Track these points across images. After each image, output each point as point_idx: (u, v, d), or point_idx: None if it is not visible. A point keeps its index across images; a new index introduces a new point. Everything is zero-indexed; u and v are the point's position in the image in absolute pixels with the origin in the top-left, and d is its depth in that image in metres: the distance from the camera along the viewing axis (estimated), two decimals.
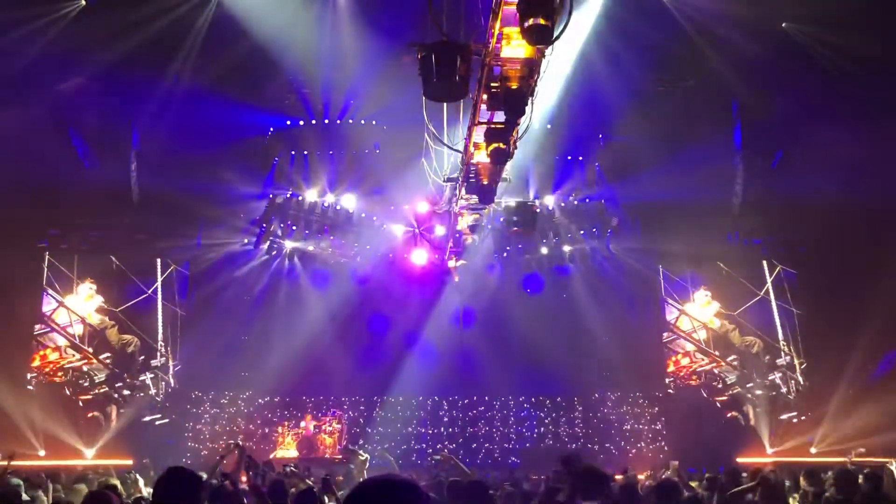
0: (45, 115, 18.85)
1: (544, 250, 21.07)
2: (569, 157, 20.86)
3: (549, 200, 20.74)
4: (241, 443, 13.79)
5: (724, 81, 19.10)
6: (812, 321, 20.90)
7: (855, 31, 16.41)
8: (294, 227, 20.69)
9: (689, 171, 19.07)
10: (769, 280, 21.69)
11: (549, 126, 18.74)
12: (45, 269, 20.30)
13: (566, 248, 21.34)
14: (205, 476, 9.20)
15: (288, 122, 20.43)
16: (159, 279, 20.74)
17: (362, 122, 19.95)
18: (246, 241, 20.92)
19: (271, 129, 20.52)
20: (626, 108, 19.37)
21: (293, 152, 20.67)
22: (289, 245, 21.14)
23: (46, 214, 20.03)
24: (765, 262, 21.80)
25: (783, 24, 17.75)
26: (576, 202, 20.99)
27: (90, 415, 19.85)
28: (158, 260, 20.73)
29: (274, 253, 21.21)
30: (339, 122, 20.14)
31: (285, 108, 20.11)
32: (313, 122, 20.33)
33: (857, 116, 18.56)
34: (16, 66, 17.17)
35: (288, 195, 20.62)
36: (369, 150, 20.27)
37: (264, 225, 20.68)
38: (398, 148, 17.16)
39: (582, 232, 21.03)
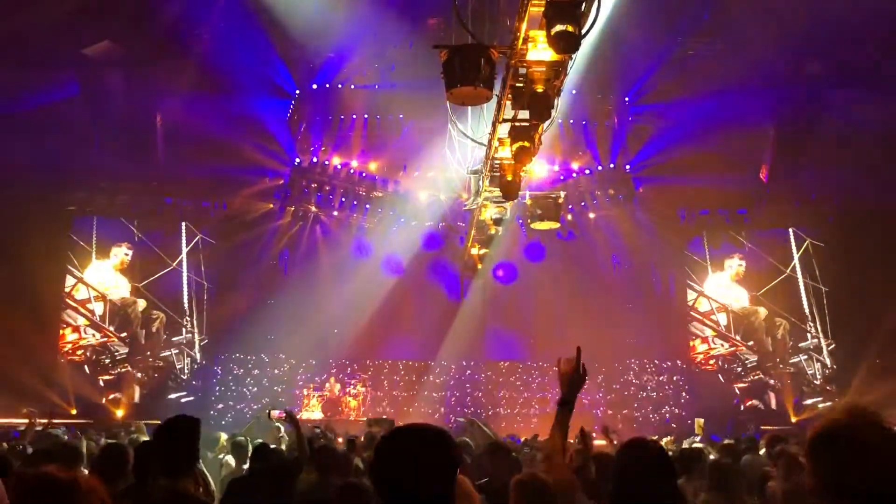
0: (71, 79, 18.85)
1: (569, 217, 20.83)
2: (595, 123, 20.56)
3: (575, 165, 20.60)
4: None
5: (754, 46, 18.65)
6: (840, 298, 20.26)
7: None
8: (319, 193, 20.66)
9: (718, 138, 18.82)
10: (796, 255, 21.06)
11: (574, 92, 18.43)
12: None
13: (591, 216, 21.17)
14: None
15: (315, 86, 20.15)
16: (184, 250, 20.60)
17: (392, 86, 19.48)
18: (271, 205, 20.92)
19: (297, 92, 20.28)
20: (655, 72, 19.09)
21: (318, 117, 20.50)
22: (313, 209, 21.10)
23: (70, 182, 19.81)
24: (791, 233, 21.18)
25: None
26: (600, 168, 20.74)
27: (111, 396, 19.45)
28: (184, 225, 20.61)
29: (300, 218, 21.18)
30: (366, 88, 19.86)
31: (312, 70, 19.80)
32: (340, 86, 20.05)
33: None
34: (41, 27, 17.03)
35: (314, 160, 20.58)
36: (392, 117, 20.06)
37: (289, 189, 20.67)
38: (426, 119, 16.94)
39: (607, 199, 20.76)
